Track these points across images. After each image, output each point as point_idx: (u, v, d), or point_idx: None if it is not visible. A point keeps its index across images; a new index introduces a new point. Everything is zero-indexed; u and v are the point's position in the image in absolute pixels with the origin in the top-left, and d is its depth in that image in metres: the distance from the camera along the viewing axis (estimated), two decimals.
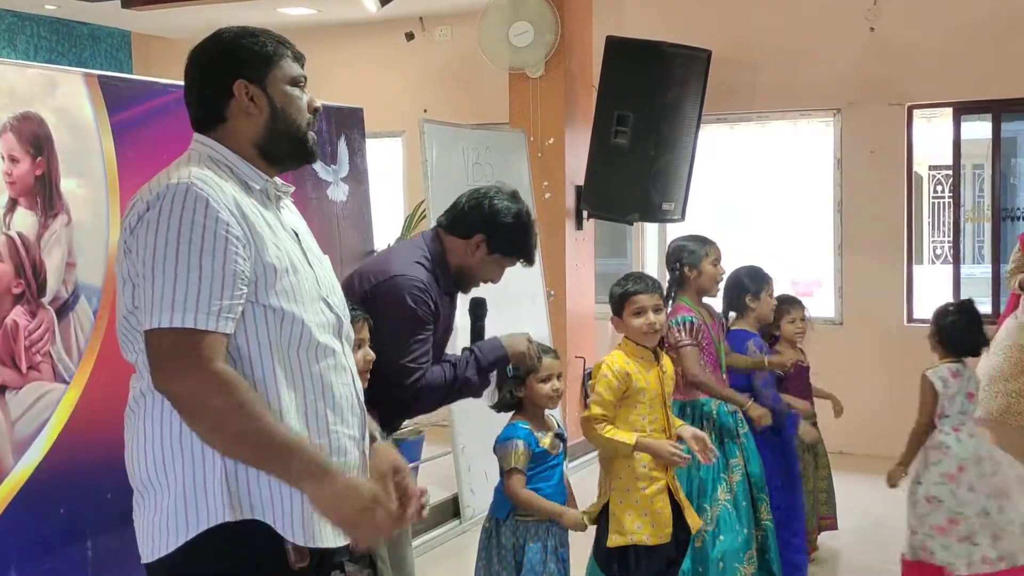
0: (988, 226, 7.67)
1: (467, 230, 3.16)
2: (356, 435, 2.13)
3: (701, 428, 4.12)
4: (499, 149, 6.69)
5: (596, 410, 3.50)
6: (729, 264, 4.50)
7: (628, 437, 3.46)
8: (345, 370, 2.13)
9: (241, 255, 1.94)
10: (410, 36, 8.47)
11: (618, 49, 6.67)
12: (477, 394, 3.24)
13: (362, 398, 2.19)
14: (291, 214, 2.24)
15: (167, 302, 1.88)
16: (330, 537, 2.04)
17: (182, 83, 2.19)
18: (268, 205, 2.12)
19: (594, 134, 6.77)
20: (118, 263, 2.02)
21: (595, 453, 7.14)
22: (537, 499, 3.34)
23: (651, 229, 8.21)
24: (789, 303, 5.00)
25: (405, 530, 3.30)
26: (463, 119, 7.29)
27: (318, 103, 2.19)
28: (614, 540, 3.53)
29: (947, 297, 7.46)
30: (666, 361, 3.72)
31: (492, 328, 3.37)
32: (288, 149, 2.15)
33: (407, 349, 2.97)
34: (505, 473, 3.32)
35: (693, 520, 3.69)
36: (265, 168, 2.14)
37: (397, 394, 3.00)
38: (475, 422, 5.40)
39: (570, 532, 3.46)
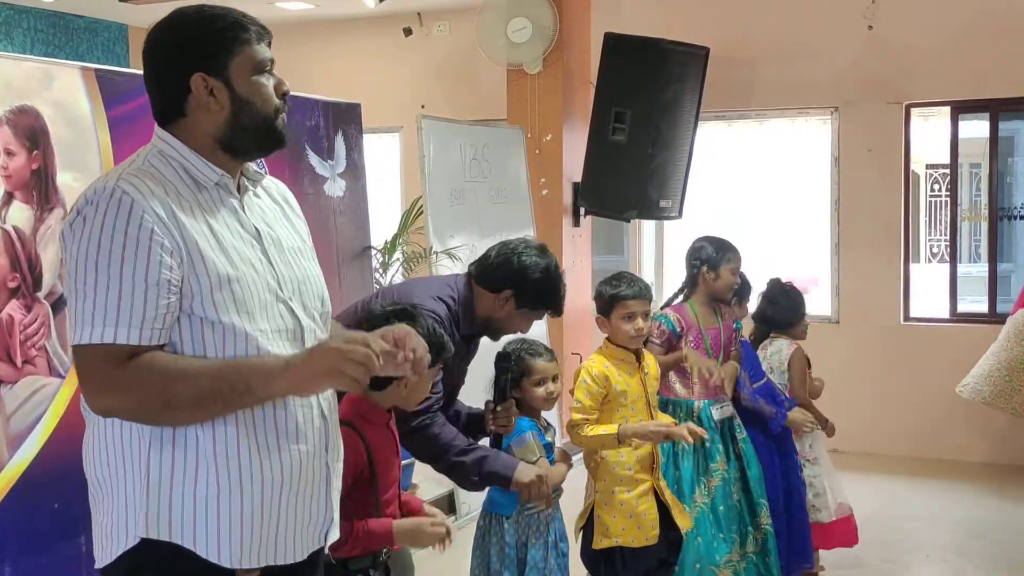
0: (985, 225, 7.68)
1: (496, 284, 3.20)
2: (313, 449, 2.02)
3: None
4: (497, 146, 6.68)
5: (577, 416, 3.48)
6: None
7: (610, 428, 3.45)
8: None
9: (167, 263, 1.83)
10: (408, 32, 8.46)
11: (616, 46, 6.67)
12: (462, 483, 3.25)
13: (328, 407, 2.08)
14: (267, 201, 2.12)
15: (88, 316, 1.81)
16: (266, 556, 1.95)
17: None
18: (224, 201, 1.99)
19: (592, 131, 6.77)
20: None
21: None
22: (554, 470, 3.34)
23: (648, 227, 8.21)
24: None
25: None
26: (461, 115, 7.28)
27: (287, 86, 2.04)
28: (599, 542, 3.54)
29: (944, 296, 7.49)
30: (650, 362, 3.70)
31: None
32: (254, 140, 2.01)
33: None
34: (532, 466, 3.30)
35: (683, 520, 3.67)
36: (227, 161, 2.00)
37: (402, 428, 3.00)
38: None
39: (567, 527, 3.46)
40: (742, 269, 4.50)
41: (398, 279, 6.65)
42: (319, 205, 4.99)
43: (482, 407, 3.34)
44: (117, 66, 6.11)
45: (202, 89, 1.94)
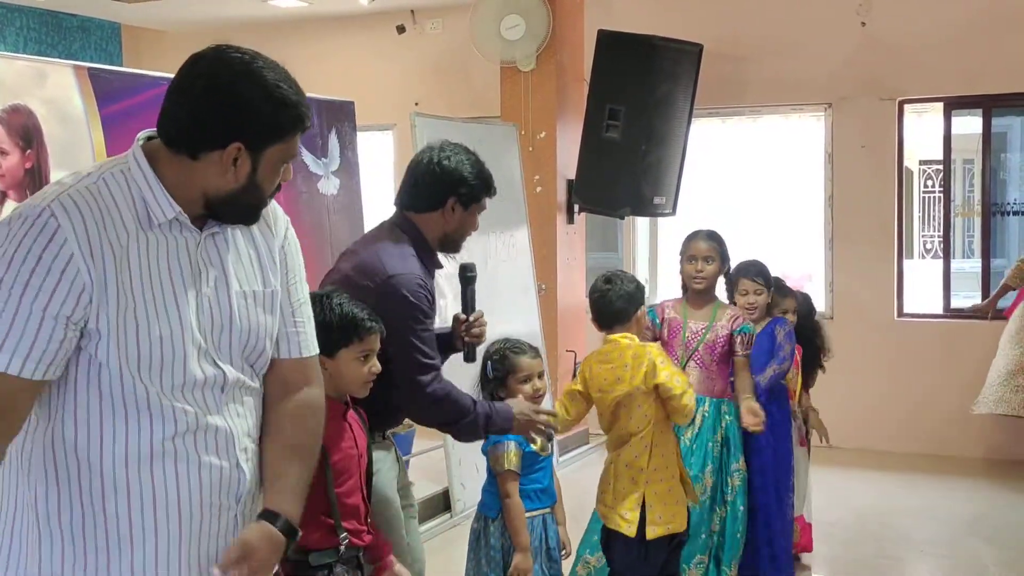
0: (978, 221, 7.70)
1: (437, 201, 3.09)
2: (228, 502, 1.93)
3: (693, 424, 4.17)
4: (490, 143, 6.67)
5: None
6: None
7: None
8: (220, 438, 1.91)
9: (71, 300, 1.74)
10: (401, 29, 8.45)
11: (610, 43, 6.67)
12: (469, 439, 3.16)
13: (247, 464, 1.96)
14: (238, 237, 1.99)
15: None
16: None
17: (172, 76, 1.92)
18: (174, 238, 1.88)
19: (585, 128, 6.77)
20: None
21: (585, 448, 7.16)
22: (521, 517, 3.27)
23: (642, 223, 8.21)
24: (780, 292, 5.00)
25: (413, 520, 3.26)
26: (454, 113, 7.27)
27: (291, 175, 1.98)
28: (653, 532, 3.42)
29: (937, 292, 7.51)
30: None
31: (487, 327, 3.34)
32: (239, 215, 1.94)
33: (417, 345, 2.92)
34: (499, 476, 3.29)
35: (692, 496, 3.66)
36: (198, 210, 1.90)
37: (406, 390, 2.94)
38: None
39: (569, 537, 3.45)
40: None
41: None
42: (313, 203, 4.99)
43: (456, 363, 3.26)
44: (110, 65, 6.12)
45: (231, 156, 1.85)
